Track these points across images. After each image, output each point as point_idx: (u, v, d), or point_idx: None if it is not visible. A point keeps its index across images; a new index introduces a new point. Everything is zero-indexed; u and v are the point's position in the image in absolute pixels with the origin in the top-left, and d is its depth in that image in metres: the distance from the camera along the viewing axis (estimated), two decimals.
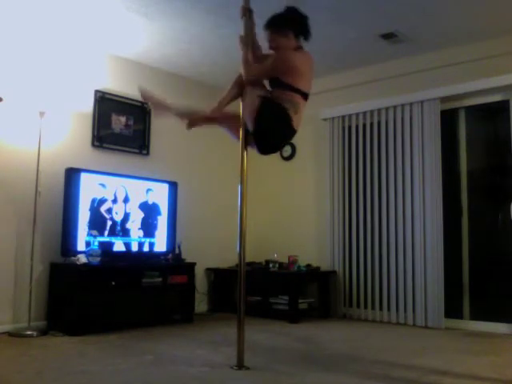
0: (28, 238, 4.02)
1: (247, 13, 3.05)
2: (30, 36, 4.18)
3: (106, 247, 4.25)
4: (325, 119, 5.29)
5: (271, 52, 3.01)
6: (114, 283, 4.07)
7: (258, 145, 2.93)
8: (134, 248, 4.53)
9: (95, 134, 4.58)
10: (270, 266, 5.06)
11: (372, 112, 4.99)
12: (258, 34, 3.09)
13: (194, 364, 3.02)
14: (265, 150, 2.98)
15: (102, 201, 4.33)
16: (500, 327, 4.21)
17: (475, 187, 4.58)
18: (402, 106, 4.76)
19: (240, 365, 2.91)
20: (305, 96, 2.93)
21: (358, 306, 4.91)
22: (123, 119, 4.79)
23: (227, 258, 5.35)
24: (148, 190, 4.68)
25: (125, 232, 4.46)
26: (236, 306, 3.02)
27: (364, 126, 5.05)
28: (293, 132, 2.92)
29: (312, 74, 3.02)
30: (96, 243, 4.14)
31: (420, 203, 4.54)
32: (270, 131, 2.90)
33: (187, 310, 4.64)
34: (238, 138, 3.07)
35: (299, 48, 3.00)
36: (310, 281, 5.16)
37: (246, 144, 3.04)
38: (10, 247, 4.01)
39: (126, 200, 4.50)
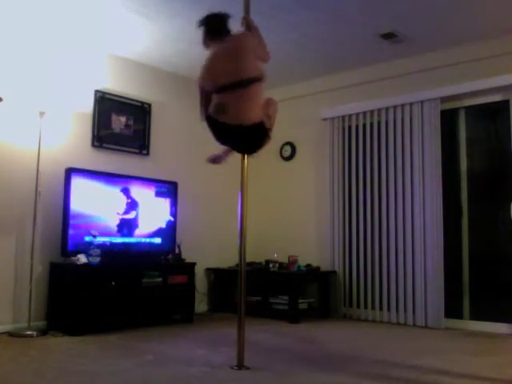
0: (28, 238, 4.02)
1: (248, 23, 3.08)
2: (30, 36, 4.18)
3: (106, 247, 4.25)
4: (325, 119, 5.29)
5: None
6: (113, 283, 4.07)
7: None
8: (134, 248, 4.53)
9: (95, 134, 4.58)
10: (270, 266, 5.06)
11: (372, 112, 4.99)
12: None
13: (194, 364, 3.02)
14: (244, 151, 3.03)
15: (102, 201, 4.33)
16: (500, 327, 4.21)
17: (475, 187, 4.57)
18: (402, 106, 4.76)
19: (240, 365, 2.91)
20: (228, 88, 2.78)
21: (358, 306, 4.91)
22: (123, 119, 4.79)
23: (227, 258, 5.35)
24: (148, 190, 4.68)
25: (125, 232, 4.46)
26: (236, 306, 3.02)
27: (364, 125, 5.05)
28: (230, 126, 2.79)
29: (236, 58, 2.84)
30: (96, 243, 4.13)
31: (420, 203, 4.54)
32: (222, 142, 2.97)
33: (187, 310, 4.64)
34: None
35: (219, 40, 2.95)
36: (310, 281, 5.16)
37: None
38: (10, 247, 4.01)
39: (125, 200, 4.50)
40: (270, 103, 2.94)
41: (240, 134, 2.84)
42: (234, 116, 2.78)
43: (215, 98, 2.84)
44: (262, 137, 2.89)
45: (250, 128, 2.79)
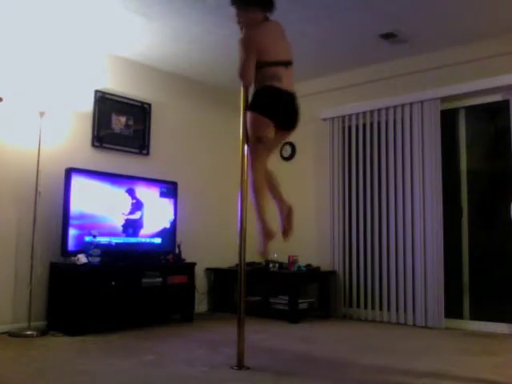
0: (28, 238, 4.02)
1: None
2: (30, 36, 4.18)
3: (107, 247, 4.24)
4: (325, 119, 5.29)
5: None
6: (113, 283, 4.07)
7: (278, 122, 2.95)
8: (135, 248, 4.53)
9: (95, 134, 4.57)
10: (270, 266, 5.06)
11: (372, 112, 4.99)
12: None
13: (194, 364, 3.02)
14: (286, 123, 3.01)
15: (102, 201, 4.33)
16: (500, 327, 4.21)
17: (475, 187, 4.57)
18: (402, 106, 4.76)
19: (240, 365, 2.91)
20: (283, 64, 2.95)
21: (358, 306, 4.91)
22: (123, 119, 4.79)
23: (227, 258, 5.34)
24: (148, 190, 4.68)
25: (125, 232, 4.46)
26: (236, 305, 3.02)
27: (364, 125, 5.05)
28: (286, 93, 2.93)
29: (283, 39, 3.04)
30: (96, 243, 4.13)
31: (420, 203, 4.54)
32: (271, 109, 2.92)
33: (187, 310, 4.64)
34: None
35: (265, 20, 3.01)
36: (310, 281, 5.16)
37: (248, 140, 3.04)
38: (10, 247, 4.01)
39: (130, 200, 4.49)
40: None
41: (292, 101, 2.98)
42: (287, 86, 2.94)
43: (268, 70, 2.91)
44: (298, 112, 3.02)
45: (296, 99, 2.98)
